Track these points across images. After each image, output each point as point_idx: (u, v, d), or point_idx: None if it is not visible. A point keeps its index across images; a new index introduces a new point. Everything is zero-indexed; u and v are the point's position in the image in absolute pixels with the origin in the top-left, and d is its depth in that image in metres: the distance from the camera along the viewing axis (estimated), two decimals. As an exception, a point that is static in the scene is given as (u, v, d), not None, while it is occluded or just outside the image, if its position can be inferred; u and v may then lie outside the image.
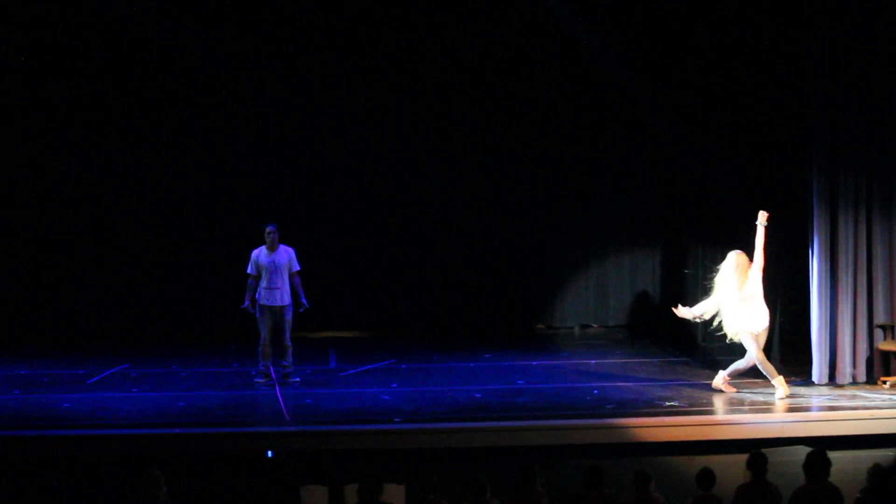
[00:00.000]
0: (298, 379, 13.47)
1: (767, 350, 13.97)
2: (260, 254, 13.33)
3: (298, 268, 13.37)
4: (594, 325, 17.20)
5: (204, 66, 16.14)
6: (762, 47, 14.69)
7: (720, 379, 12.66)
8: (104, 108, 16.24)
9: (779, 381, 12.36)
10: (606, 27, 16.03)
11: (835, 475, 8.98)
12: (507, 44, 16.52)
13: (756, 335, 12.37)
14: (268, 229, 13.33)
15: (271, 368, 13.43)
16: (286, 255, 13.33)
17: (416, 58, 16.51)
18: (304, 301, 13.37)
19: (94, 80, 16.12)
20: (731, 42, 15.09)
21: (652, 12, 16.00)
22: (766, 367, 12.41)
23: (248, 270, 13.37)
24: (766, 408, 12.02)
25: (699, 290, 16.00)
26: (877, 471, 8.77)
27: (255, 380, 13.37)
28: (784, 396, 12.27)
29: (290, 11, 16.16)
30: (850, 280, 13.03)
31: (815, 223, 13.08)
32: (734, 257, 12.50)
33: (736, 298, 12.36)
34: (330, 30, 16.33)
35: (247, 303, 13.35)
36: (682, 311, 12.77)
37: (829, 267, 13.04)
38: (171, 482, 8.96)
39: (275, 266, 13.25)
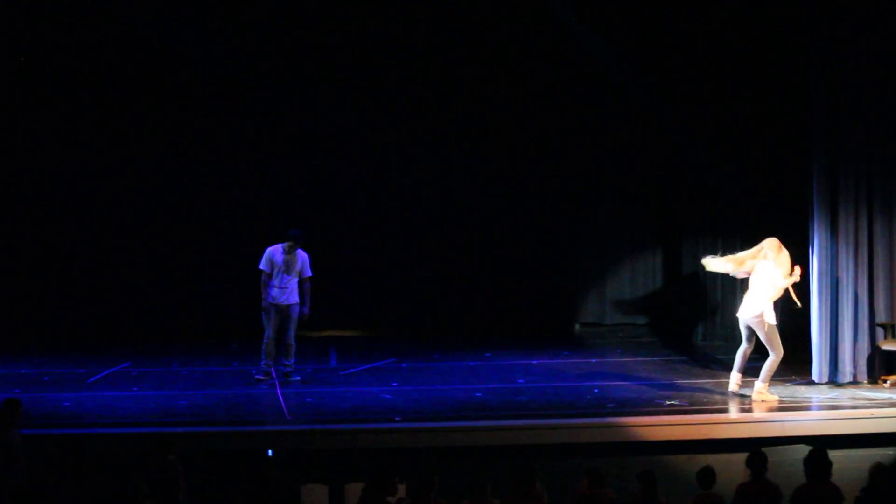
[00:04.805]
0: (299, 378, 13.48)
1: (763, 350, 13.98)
2: (275, 252, 13.33)
3: (310, 273, 13.37)
4: (595, 324, 17.21)
5: (204, 66, 16.13)
6: (762, 48, 14.70)
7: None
8: (104, 107, 16.23)
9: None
10: (608, 29, 16.03)
11: (835, 474, 8.98)
12: (511, 46, 16.51)
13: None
14: (291, 236, 13.29)
15: (272, 367, 13.43)
16: (300, 259, 13.34)
17: (418, 56, 16.51)
18: (305, 309, 13.39)
19: (95, 79, 16.11)
20: (731, 42, 15.10)
21: (653, 14, 16.00)
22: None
23: (262, 267, 13.31)
24: (767, 406, 12.02)
25: (699, 288, 16.08)
26: (878, 470, 8.77)
27: (256, 378, 13.37)
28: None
29: (293, 13, 16.16)
30: (851, 279, 13.04)
31: (815, 223, 13.08)
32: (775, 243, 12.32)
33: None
34: (332, 31, 16.31)
35: (267, 301, 13.32)
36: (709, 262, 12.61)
37: (829, 266, 13.04)
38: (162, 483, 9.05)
39: (288, 267, 13.26)
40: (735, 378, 12.51)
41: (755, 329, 12.30)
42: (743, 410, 11.95)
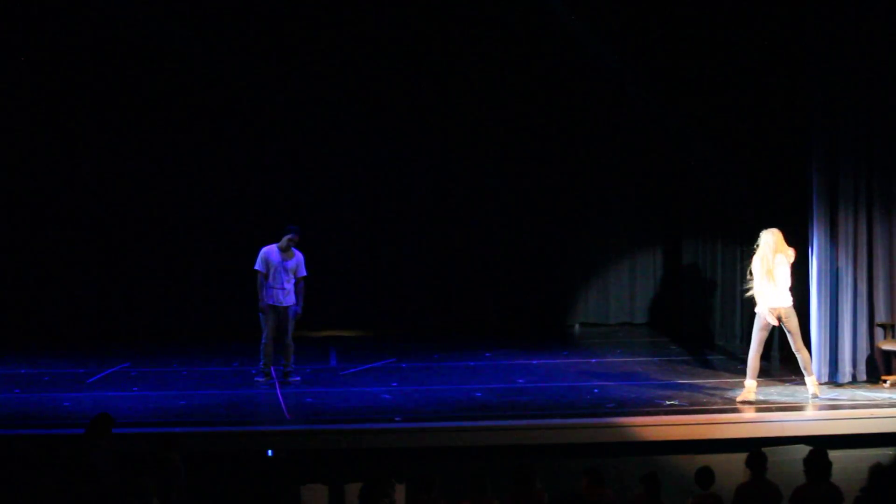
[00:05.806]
0: (298, 378, 13.48)
1: (767, 349, 14.00)
2: (270, 252, 13.33)
3: (304, 273, 13.39)
4: (595, 323, 17.21)
5: (204, 66, 16.15)
6: (762, 48, 14.69)
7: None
8: (104, 108, 16.25)
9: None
10: (608, 30, 16.04)
11: (835, 474, 8.97)
12: (510, 46, 16.54)
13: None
14: (290, 230, 13.31)
15: (272, 367, 13.43)
16: (295, 259, 13.35)
17: (420, 56, 16.52)
18: (298, 308, 13.39)
19: (94, 79, 16.14)
20: (731, 43, 15.09)
21: (654, 15, 16.00)
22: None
23: (258, 268, 13.32)
24: (767, 406, 12.01)
25: (699, 288, 16.09)
26: (877, 469, 8.75)
27: (256, 378, 13.38)
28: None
29: (294, 14, 16.16)
30: (851, 279, 13.04)
31: (815, 223, 13.07)
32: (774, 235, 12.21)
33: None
34: (332, 30, 16.33)
35: (264, 302, 13.34)
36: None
37: (829, 266, 13.03)
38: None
39: (284, 266, 13.27)
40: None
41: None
42: (743, 410, 11.93)
